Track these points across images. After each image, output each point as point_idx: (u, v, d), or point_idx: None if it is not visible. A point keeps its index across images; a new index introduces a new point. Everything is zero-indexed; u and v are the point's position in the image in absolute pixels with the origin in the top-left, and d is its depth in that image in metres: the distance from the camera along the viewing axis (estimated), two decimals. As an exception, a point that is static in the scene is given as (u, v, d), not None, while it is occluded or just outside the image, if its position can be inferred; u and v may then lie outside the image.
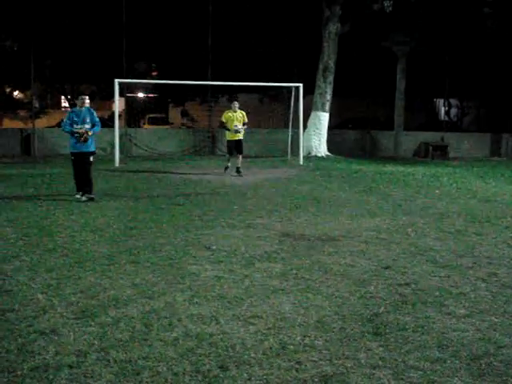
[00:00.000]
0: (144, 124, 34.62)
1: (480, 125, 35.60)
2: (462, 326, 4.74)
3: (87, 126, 11.17)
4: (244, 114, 16.65)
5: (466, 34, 25.50)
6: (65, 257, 6.81)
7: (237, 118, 16.42)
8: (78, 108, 11.40)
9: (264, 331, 4.57)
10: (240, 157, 16.57)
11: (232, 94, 29.96)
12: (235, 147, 16.47)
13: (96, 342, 4.30)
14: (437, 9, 23.86)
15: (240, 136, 16.50)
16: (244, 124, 16.54)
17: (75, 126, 11.01)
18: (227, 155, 16.99)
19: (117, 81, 18.64)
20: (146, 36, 27.41)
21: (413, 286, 5.83)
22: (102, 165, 18.02)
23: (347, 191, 12.87)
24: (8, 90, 32.83)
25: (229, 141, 16.65)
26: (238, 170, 16.43)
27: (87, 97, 11.77)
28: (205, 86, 24.10)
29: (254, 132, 24.69)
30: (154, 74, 35.88)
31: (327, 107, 23.27)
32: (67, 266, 6.43)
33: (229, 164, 16.68)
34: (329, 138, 23.51)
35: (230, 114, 16.52)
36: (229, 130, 16.39)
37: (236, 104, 16.69)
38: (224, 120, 16.57)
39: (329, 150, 23.43)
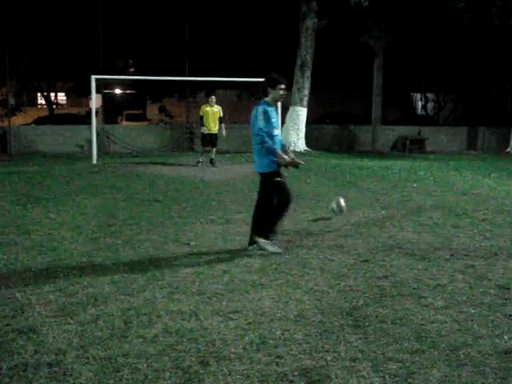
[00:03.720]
0: (121, 120, 34.40)
1: (456, 118, 35.92)
2: (439, 317, 4.79)
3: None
4: (220, 108, 17.32)
5: (442, 28, 25.68)
6: (43, 255, 6.76)
7: (213, 112, 17.04)
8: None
9: (244, 326, 4.58)
10: (214, 149, 17.28)
11: (210, 89, 29.86)
12: (209, 140, 17.13)
13: (75, 340, 4.28)
14: (413, 3, 23.99)
15: (215, 131, 17.16)
16: (220, 119, 17.14)
17: (275, 131, 6.92)
18: (201, 147, 17.71)
19: (93, 77, 18.48)
20: (122, 32, 27.23)
21: (391, 278, 5.88)
22: (80, 162, 17.90)
23: (326, 186, 12.92)
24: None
25: (203, 134, 17.26)
26: (211, 161, 17.20)
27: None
28: (182, 81, 23.99)
29: (233, 127, 24.66)
30: (132, 70, 35.66)
31: (305, 102, 23.29)
32: (45, 264, 6.38)
33: (200, 159, 17.30)
34: (307, 133, 23.54)
35: (207, 108, 17.15)
36: (203, 125, 17.06)
37: (213, 98, 17.42)
38: (201, 114, 17.19)
39: (307, 144, 23.46)
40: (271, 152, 6.73)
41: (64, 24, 26.20)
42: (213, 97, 17.55)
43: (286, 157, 6.80)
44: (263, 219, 6.94)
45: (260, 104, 6.81)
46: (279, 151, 6.78)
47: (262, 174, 6.89)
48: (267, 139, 6.66)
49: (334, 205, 9.01)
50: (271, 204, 6.89)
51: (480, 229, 8.35)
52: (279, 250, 6.90)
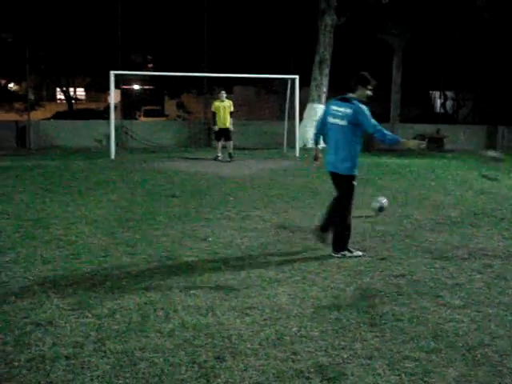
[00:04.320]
0: (140, 116, 34.52)
1: (476, 117, 35.61)
2: (457, 316, 4.76)
3: None
4: (231, 103, 17.70)
5: (462, 26, 25.46)
6: (61, 249, 6.82)
7: (224, 107, 17.35)
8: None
9: (260, 322, 4.59)
10: (230, 143, 17.61)
11: (228, 86, 29.87)
12: (223, 134, 17.45)
13: (92, 334, 4.31)
14: (433, 1, 23.81)
15: (227, 125, 17.46)
16: (231, 114, 17.46)
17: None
18: (216, 142, 17.96)
19: (112, 73, 18.53)
20: (141, 27, 27.28)
21: (408, 277, 5.85)
22: (98, 157, 18.00)
23: (343, 183, 12.87)
24: (3, 82, 32.66)
25: (215, 131, 17.69)
26: (230, 155, 17.50)
27: None
28: (200, 78, 24.00)
29: (250, 124, 24.69)
30: (150, 65, 35.74)
31: (323, 99, 23.19)
32: (63, 257, 6.43)
33: (219, 154, 17.56)
34: (325, 130, 23.48)
35: (217, 103, 17.52)
36: (215, 123, 17.47)
37: (223, 93, 17.81)
38: (213, 110, 17.54)
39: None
40: (394, 141, 6.54)
41: (83, 20, 26.31)
42: (223, 92, 17.93)
43: (409, 141, 6.83)
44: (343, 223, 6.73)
45: (352, 101, 6.49)
46: (400, 138, 6.64)
47: (344, 176, 6.61)
48: (386, 131, 6.44)
49: (376, 203, 9.03)
50: (350, 205, 6.70)
51: (498, 228, 8.29)
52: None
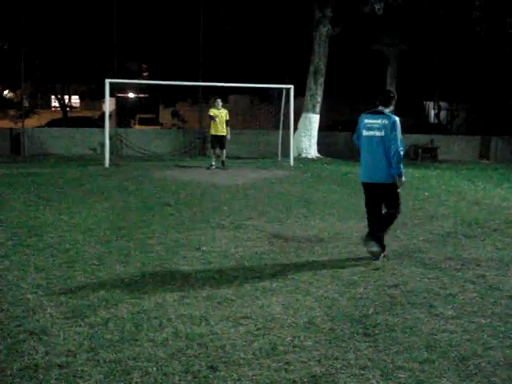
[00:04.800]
0: (134, 124, 34.54)
1: (469, 128, 35.76)
2: (450, 327, 4.78)
3: None
4: (227, 112, 17.74)
5: (456, 37, 25.61)
6: (54, 257, 6.81)
7: (221, 116, 17.43)
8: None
9: (254, 332, 4.59)
10: (224, 151, 17.65)
11: (223, 94, 29.97)
12: (218, 142, 17.50)
13: (86, 343, 4.30)
14: (427, 12, 23.95)
15: (224, 133, 17.48)
16: (227, 123, 17.51)
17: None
18: (211, 150, 17.91)
19: (108, 81, 18.58)
20: (137, 36, 27.35)
21: (402, 287, 5.86)
22: (92, 165, 17.98)
23: (337, 193, 12.90)
24: (-2, 89, 32.70)
25: (213, 135, 17.65)
26: (223, 163, 17.61)
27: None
28: (196, 86, 24.07)
29: (245, 133, 24.75)
30: (145, 74, 35.81)
31: (318, 109, 23.29)
32: (57, 266, 6.42)
33: (213, 162, 17.53)
34: (319, 140, 23.54)
35: (214, 110, 17.58)
36: (213, 123, 17.44)
37: (219, 101, 17.83)
38: (211, 114, 17.53)
39: (319, 151, 23.46)
40: (399, 172, 6.83)
41: (79, 28, 26.35)
42: (218, 100, 17.94)
43: (401, 180, 6.99)
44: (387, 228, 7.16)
45: (387, 113, 6.85)
46: (403, 174, 6.95)
47: (389, 185, 6.90)
48: (401, 159, 6.76)
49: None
50: (400, 209, 7.12)
51: (491, 239, 8.31)
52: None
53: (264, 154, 22.61)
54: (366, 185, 7.17)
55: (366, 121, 6.96)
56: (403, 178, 6.93)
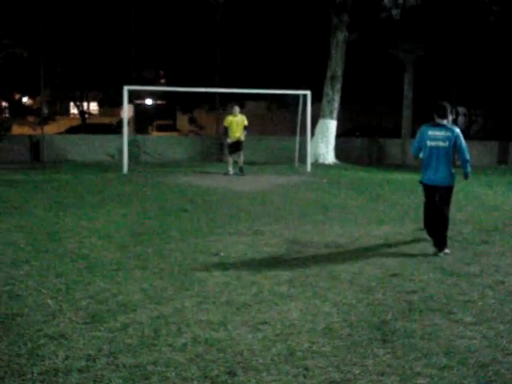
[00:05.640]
0: (152, 131, 34.72)
1: (487, 133, 35.52)
2: (469, 333, 4.75)
3: None
4: (244, 117, 17.64)
5: (474, 42, 25.49)
6: (74, 262, 6.87)
7: (237, 122, 17.34)
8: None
9: (272, 337, 4.60)
10: (241, 155, 17.48)
11: (240, 101, 30.06)
12: (235, 147, 17.41)
13: (105, 347, 4.34)
14: (444, 17, 23.87)
15: (240, 138, 17.39)
16: (245, 127, 17.44)
17: None
18: (228, 156, 17.92)
19: (126, 88, 18.70)
20: (154, 43, 27.54)
21: (420, 293, 5.84)
22: (111, 171, 18.10)
23: (355, 199, 12.88)
24: (17, 96, 32.96)
25: (228, 143, 17.61)
26: (240, 169, 17.51)
27: None
28: (213, 93, 24.14)
29: (262, 139, 24.78)
30: (163, 81, 35.99)
31: (335, 115, 23.26)
32: (76, 271, 6.48)
33: (230, 169, 17.53)
34: (336, 146, 23.51)
35: (230, 118, 17.51)
36: (228, 136, 17.36)
37: (237, 108, 17.73)
38: (226, 125, 17.52)
39: (336, 157, 23.43)
40: (467, 173, 8.07)
41: (97, 35, 26.60)
42: (236, 107, 17.79)
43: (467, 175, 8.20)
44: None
45: (448, 126, 7.73)
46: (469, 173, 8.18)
47: (446, 187, 7.86)
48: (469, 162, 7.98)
49: None
50: (449, 209, 7.99)
51: (510, 244, 8.25)
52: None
53: (281, 159, 22.61)
54: (429, 187, 8.01)
55: (430, 132, 7.79)
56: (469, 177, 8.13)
